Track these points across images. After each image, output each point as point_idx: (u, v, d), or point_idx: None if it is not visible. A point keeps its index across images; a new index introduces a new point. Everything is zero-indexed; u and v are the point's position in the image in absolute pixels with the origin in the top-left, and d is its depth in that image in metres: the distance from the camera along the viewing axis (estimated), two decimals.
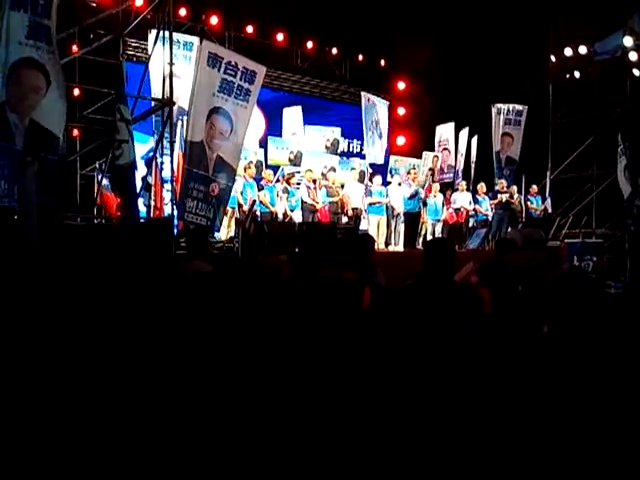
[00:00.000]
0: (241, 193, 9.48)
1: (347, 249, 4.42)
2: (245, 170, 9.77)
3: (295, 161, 11.53)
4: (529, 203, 12.42)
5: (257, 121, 11.66)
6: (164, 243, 3.58)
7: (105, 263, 4.04)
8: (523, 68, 12.77)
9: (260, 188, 9.95)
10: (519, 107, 13.17)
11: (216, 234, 8.53)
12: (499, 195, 11.75)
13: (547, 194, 13.03)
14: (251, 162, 10.55)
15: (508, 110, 13.12)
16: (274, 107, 12.48)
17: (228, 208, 8.88)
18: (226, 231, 9.13)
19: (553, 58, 13.93)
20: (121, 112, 6.85)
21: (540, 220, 11.91)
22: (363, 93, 11.64)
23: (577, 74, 13.89)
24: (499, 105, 13.06)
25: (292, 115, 11.97)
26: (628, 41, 12.51)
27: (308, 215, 10.14)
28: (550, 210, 12.64)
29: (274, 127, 12.60)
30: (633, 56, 12.61)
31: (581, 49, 13.49)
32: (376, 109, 11.75)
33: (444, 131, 13.23)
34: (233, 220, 9.10)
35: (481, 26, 12.98)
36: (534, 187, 12.69)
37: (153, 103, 8.55)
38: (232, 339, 3.38)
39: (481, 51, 13.30)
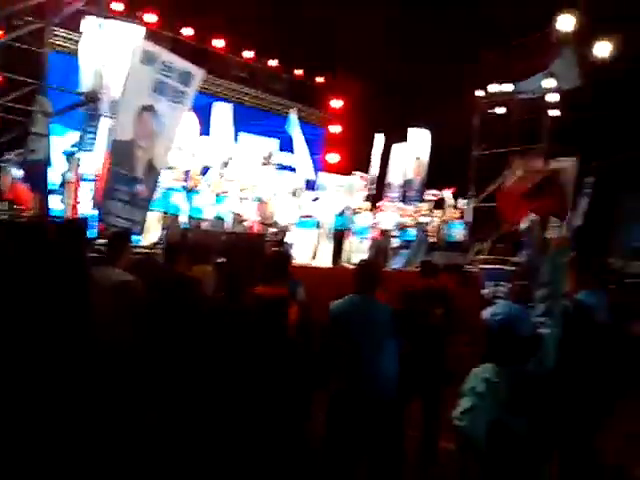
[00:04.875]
0: (168, 197, 9.15)
1: (275, 263, 4.36)
2: (172, 174, 9.44)
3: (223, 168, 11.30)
4: (450, 228, 12.92)
5: (191, 125, 11.34)
6: (77, 245, 3.33)
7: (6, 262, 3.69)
8: (452, 97, 13.39)
9: (188, 191, 9.67)
10: (425, 132, 13.65)
11: (139, 238, 8.15)
12: (419, 217, 12.18)
13: (468, 220, 13.65)
14: (180, 167, 10.23)
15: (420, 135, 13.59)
16: (209, 113, 12.22)
17: (155, 212, 8.53)
18: (150, 236, 8.76)
19: (481, 92, 14.72)
20: (41, 104, 6.42)
21: (459, 245, 12.43)
22: (292, 110, 11.76)
23: (500, 110, 14.76)
24: (414, 129, 13.50)
25: (221, 112, 11.72)
26: (548, 83, 13.46)
27: (235, 225, 9.96)
28: (467, 236, 13.26)
29: (207, 133, 12.33)
30: (551, 98, 13.58)
31: (506, 86, 14.35)
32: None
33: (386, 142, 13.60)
34: (160, 225, 8.76)
35: (418, 52, 13.48)
36: (456, 213, 13.24)
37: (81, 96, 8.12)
38: (144, 354, 3.19)
39: (415, 76, 13.79)
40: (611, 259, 8.80)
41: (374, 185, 13.30)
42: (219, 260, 5.87)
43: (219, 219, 9.95)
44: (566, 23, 13.03)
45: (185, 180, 9.92)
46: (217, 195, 10.09)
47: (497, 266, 11.65)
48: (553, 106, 13.69)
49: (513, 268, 11.90)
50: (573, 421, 2.90)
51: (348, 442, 3.17)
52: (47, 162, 6.69)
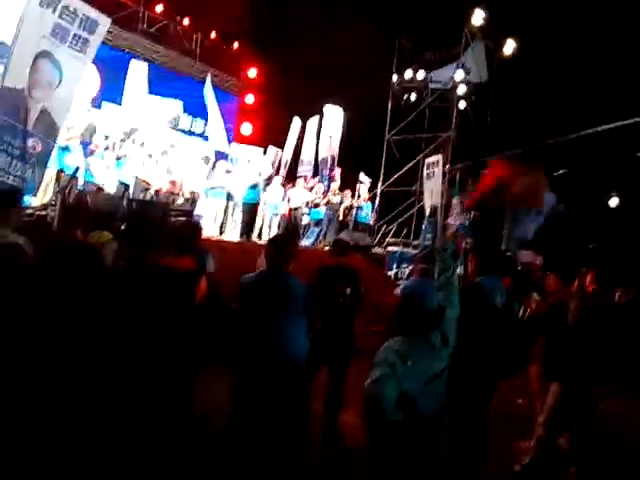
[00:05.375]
0: (62, 157, 8.40)
1: (182, 233, 4.14)
2: (69, 131, 8.66)
3: (130, 134, 10.61)
4: (360, 209, 13.17)
5: (91, 79, 10.47)
6: None
7: None
8: (367, 80, 13.53)
9: (89, 154, 8.94)
10: (339, 110, 13.58)
11: (30, 198, 7.42)
12: (330, 196, 12.27)
13: (376, 203, 13.99)
14: (79, 124, 9.42)
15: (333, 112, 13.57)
16: (112, 67, 11.30)
17: (49, 171, 7.80)
18: (41, 197, 8.01)
19: (395, 77, 15.00)
20: None
21: (368, 226, 12.71)
22: (209, 74, 11.26)
23: (413, 96, 15.14)
24: (329, 106, 13.52)
25: (138, 71, 10.96)
26: (458, 75, 13.99)
27: (140, 192, 9.41)
28: (375, 218, 13.61)
29: (110, 90, 11.45)
30: (461, 89, 14.14)
31: (419, 74, 14.73)
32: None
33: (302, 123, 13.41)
34: (52, 185, 8.04)
35: (340, 28, 13.41)
36: (366, 195, 13.51)
37: None
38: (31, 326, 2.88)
39: (337, 53, 13.73)
40: (505, 248, 9.40)
41: (287, 161, 13.20)
42: (120, 227, 5.49)
43: (122, 184, 9.34)
44: (477, 18, 13.58)
45: (85, 139, 9.19)
46: (118, 159, 9.44)
47: (402, 249, 12.10)
48: (462, 98, 14.26)
49: (416, 251, 12.48)
50: (467, 395, 3.03)
51: (254, 415, 3.12)
52: None
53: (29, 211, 7.14)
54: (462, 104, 14.17)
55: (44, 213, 6.95)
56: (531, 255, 8.22)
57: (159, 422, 2.96)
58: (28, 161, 6.55)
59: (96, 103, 11.23)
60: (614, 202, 17.05)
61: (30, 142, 6.56)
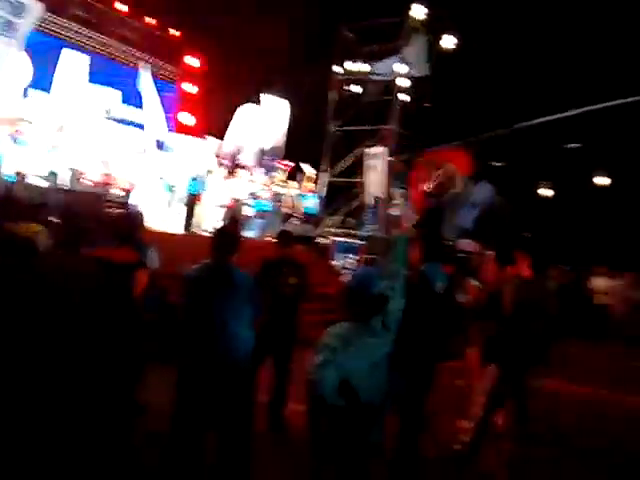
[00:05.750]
0: None
1: (121, 224, 3.99)
2: None
3: (61, 123, 10.08)
4: (304, 200, 13.16)
5: (23, 66, 9.85)
6: None
7: None
8: (310, 70, 13.50)
9: (13, 141, 8.45)
10: (284, 102, 13.47)
11: None
12: (274, 187, 12.20)
13: (323, 194, 14.03)
14: (8, 111, 8.88)
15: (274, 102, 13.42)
16: (42, 54, 10.67)
17: None
18: None
19: (336, 68, 15.02)
20: None
21: (313, 217, 12.73)
22: (144, 63, 10.87)
23: (356, 88, 15.22)
24: (269, 96, 13.35)
25: (71, 60, 10.41)
26: (400, 68, 14.18)
27: (74, 182, 8.99)
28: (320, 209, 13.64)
29: (40, 78, 10.81)
30: (402, 82, 14.35)
31: (361, 66, 14.82)
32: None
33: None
34: None
35: (282, 17, 13.27)
36: (310, 186, 13.51)
37: None
38: None
39: (278, 42, 13.58)
40: (446, 237, 9.66)
41: (230, 152, 12.97)
42: (52, 219, 5.24)
43: (52, 175, 8.88)
44: (418, 11, 13.81)
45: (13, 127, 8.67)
46: (49, 148, 8.96)
47: (347, 239, 12.20)
48: (403, 90, 14.47)
49: (361, 242, 12.63)
50: (409, 378, 3.09)
51: (198, 411, 3.04)
52: None
53: None
54: (404, 97, 14.40)
55: None
56: (469, 244, 8.50)
57: (93, 419, 2.85)
58: None
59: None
60: (547, 192, 17.92)
61: None
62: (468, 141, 12.25)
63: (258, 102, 13.35)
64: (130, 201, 9.28)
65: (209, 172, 11.26)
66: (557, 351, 4.39)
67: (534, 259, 4.46)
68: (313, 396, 2.51)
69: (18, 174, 8.23)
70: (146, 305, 3.53)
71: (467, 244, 8.67)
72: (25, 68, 9.98)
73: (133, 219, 4.19)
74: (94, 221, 5.50)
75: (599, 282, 11.12)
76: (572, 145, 15.26)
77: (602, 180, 16.90)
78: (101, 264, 3.25)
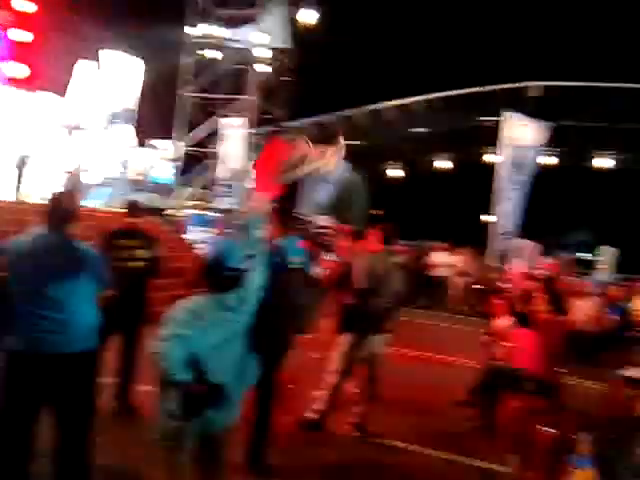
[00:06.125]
0: None
1: None
2: None
3: None
4: (156, 169, 12.45)
5: None
6: None
7: None
8: (160, 28, 12.63)
9: None
10: (129, 57, 12.37)
11: None
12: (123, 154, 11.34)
13: (177, 164, 13.36)
14: None
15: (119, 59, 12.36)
16: None
17: None
18: None
19: (188, 30, 14.22)
20: None
21: (165, 187, 12.11)
22: None
23: (211, 53, 14.57)
24: (113, 52, 12.21)
25: None
26: (258, 37, 13.87)
27: None
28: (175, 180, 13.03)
29: None
30: (261, 52, 14.08)
31: (216, 30, 14.20)
32: None
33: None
34: None
35: None
36: (164, 154, 12.81)
37: None
38: None
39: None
40: (302, 212, 9.81)
41: (72, 111, 11.71)
42: None
43: None
44: None
45: None
46: None
47: (201, 212, 11.82)
48: (261, 61, 14.24)
49: (217, 215, 12.30)
50: (266, 351, 3.08)
51: (28, 402, 2.69)
52: None
53: None
54: (262, 67, 14.18)
55: None
56: (325, 219, 8.72)
57: None
58: None
59: None
60: (396, 173, 19.08)
61: None
62: (325, 117, 12.52)
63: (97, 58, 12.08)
64: None
65: (45, 133, 10.06)
66: (398, 320, 4.71)
67: (383, 235, 4.67)
68: (159, 371, 2.39)
69: None
70: None
71: (323, 219, 8.90)
72: None
73: None
74: None
75: (439, 257, 12.15)
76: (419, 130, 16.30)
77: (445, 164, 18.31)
78: None
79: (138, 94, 12.44)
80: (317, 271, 5.07)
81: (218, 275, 2.50)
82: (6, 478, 2.68)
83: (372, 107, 13.75)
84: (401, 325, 4.96)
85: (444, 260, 12.13)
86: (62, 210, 2.89)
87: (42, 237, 2.80)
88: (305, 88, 13.96)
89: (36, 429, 2.70)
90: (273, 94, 14.22)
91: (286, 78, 14.45)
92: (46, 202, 3.00)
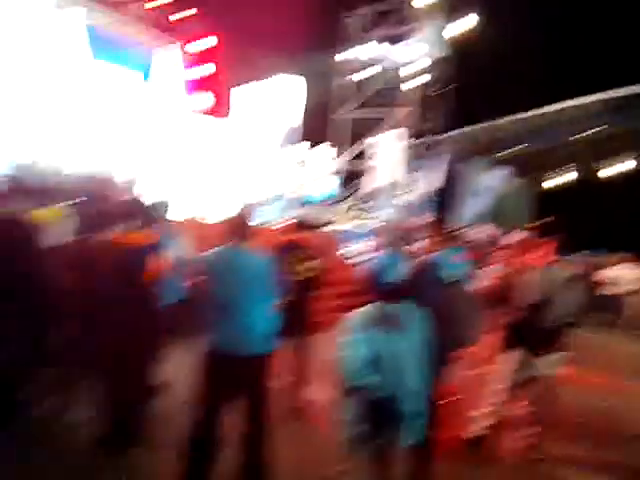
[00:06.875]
0: None
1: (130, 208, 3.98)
2: None
3: None
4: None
5: None
6: None
7: None
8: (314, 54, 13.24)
9: None
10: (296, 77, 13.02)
11: None
12: None
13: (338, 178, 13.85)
14: None
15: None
16: None
17: None
18: None
19: (340, 56, 14.79)
20: None
21: (325, 201, 12.59)
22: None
23: (365, 73, 14.93)
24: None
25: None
26: (417, 50, 13.88)
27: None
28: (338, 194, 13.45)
29: None
30: (413, 66, 14.05)
31: (369, 51, 14.56)
32: None
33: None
34: None
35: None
36: (324, 170, 13.39)
37: None
38: None
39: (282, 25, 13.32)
40: (459, 225, 9.55)
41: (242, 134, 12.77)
42: (72, 203, 5.21)
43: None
44: None
45: None
46: None
47: (358, 224, 12.09)
48: (416, 74, 14.24)
49: (374, 226, 12.47)
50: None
51: (216, 395, 3.07)
52: None
53: None
54: (417, 80, 14.18)
55: None
56: (488, 228, 8.37)
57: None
58: None
59: None
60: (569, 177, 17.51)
61: None
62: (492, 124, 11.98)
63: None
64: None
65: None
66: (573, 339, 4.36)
67: (556, 246, 4.37)
68: (341, 373, 2.53)
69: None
70: (167, 290, 3.56)
71: (486, 229, 8.57)
72: None
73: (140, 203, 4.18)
74: (109, 205, 5.47)
75: (615, 271, 10.87)
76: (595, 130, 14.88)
77: None
78: (115, 248, 3.27)
79: (302, 114, 13.17)
80: (478, 284, 4.90)
81: (384, 285, 2.58)
82: (200, 460, 3.03)
83: (551, 107, 12.87)
84: (577, 345, 4.58)
85: (622, 274, 10.82)
86: (242, 228, 3.27)
87: (229, 251, 3.18)
88: (466, 95, 13.61)
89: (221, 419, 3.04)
90: (429, 105, 14.11)
91: (443, 89, 14.25)
92: (226, 221, 3.40)
